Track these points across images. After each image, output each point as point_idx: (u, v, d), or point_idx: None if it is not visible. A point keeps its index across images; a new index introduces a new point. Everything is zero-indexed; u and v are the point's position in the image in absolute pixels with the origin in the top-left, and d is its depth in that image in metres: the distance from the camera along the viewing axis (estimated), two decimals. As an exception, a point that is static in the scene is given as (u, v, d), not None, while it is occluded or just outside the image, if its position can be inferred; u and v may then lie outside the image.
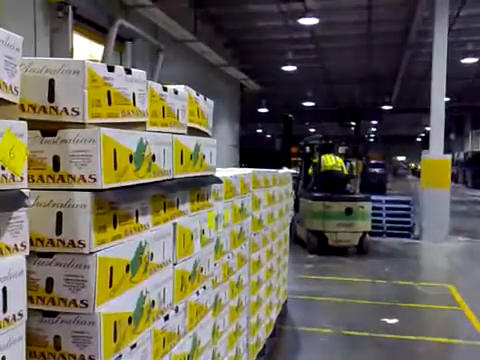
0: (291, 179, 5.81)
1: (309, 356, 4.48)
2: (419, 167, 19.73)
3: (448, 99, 11.42)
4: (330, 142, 10.03)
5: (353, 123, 27.31)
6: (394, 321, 5.29)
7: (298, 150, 11.24)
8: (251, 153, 24.67)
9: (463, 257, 9.19)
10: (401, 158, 55.21)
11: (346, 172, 9.94)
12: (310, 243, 8.79)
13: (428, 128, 11.36)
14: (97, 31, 8.72)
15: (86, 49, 8.81)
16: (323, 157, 9.55)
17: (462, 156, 32.79)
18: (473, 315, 5.47)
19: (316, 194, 8.89)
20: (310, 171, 9.91)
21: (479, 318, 5.35)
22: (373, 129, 40.23)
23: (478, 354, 4.62)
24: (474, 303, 5.87)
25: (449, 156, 10.76)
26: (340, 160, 9.83)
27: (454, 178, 26.50)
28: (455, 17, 11.85)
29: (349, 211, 8.62)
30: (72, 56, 7.33)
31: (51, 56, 6.90)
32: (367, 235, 8.85)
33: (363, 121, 28.88)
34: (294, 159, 25.22)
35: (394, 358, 4.51)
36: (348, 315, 5.55)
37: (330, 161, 9.56)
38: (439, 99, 10.40)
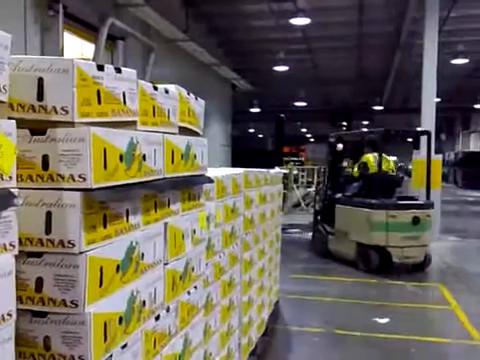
0: (280, 179, 5.49)
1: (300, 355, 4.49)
2: (410, 167, 19.81)
3: (439, 100, 11.47)
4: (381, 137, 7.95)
5: (345, 123, 27.37)
6: (385, 321, 5.31)
7: (331, 147, 8.88)
8: (243, 153, 24.66)
9: (454, 257, 9.24)
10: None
11: (398, 175, 8.43)
12: (369, 261, 7.29)
13: (419, 128, 11.40)
14: (88, 30, 8.67)
15: (77, 48, 8.77)
16: (371, 157, 8.09)
17: (453, 156, 32.97)
18: (464, 315, 5.51)
19: (374, 201, 7.30)
20: (355, 172, 8.30)
21: (469, 318, 5.39)
22: (365, 129, 40.33)
23: (468, 353, 4.65)
24: (465, 303, 5.91)
25: (440, 156, 10.80)
26: (391, 161, 8.45)
27: (445, 178, 26.62)
28: (445, 18, 11.92)
29: (416, 221, 7.23)
30: (63, 55, 7.29)
31: (42, 55, 6.85)
32: (429, 248, 7.60)
33: (355, 121, 29.01)
34: (286, 159, 25.26)
35: (385, 357, 4.53)
36: (338, 314, 5.57)
37: (385, 162, 7.94)
38: (430, 99, 10.47)
